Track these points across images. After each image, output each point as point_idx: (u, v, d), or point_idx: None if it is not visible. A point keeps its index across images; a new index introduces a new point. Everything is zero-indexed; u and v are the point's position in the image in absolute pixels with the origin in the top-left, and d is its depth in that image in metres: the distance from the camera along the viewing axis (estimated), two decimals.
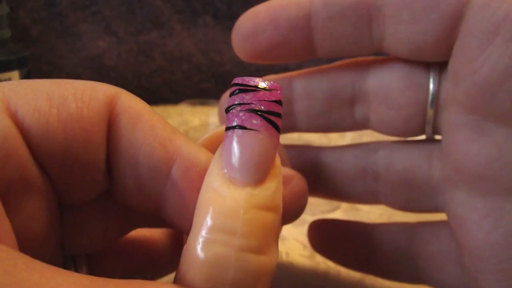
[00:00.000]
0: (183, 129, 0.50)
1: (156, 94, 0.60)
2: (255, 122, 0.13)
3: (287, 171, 0.18)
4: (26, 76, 0.35)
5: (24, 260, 0.11)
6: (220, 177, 0.13)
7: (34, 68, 0.39)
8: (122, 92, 0.15)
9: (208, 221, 0.13)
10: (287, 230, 0.33)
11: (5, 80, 0.34)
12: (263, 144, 0.13)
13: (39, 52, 0.55)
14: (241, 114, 0.13)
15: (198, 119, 0.53)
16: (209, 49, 0.59)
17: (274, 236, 0.13)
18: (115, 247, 0.19)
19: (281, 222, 0.14)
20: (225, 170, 0.13)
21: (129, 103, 0.15)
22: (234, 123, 0.13)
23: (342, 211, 0.36)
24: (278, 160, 0.14)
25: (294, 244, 0.31)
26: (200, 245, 0.12)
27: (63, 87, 0.14)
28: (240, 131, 0.13)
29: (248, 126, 0.13)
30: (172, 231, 0.21)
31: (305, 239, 0.32)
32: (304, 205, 0.18)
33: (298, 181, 0.18)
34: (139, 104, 0.15)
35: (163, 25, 0.58)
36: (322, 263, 0.29)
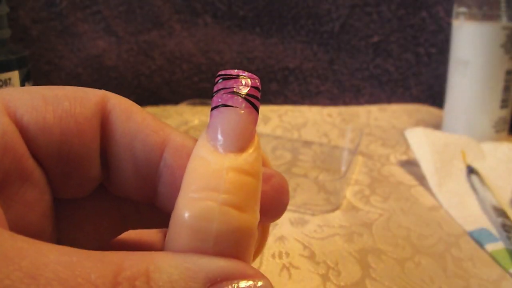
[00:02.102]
0: (183, 129, 0.50)
1: (156, 94, 0.60)
2: (236, 100, 0.15)
3: (268, 169, 0.18)
4: (26, 76, 0.35)
5: (9, 233, 0.12)
6: (206, 147, 0.15)
7: (34, 68, 0.39)
8: (110, 93, 0.17)
9: (194, 182, 0.14)
10: (287, 230, 0.33)
11: (5, 80, 0.34)
12: (243, 118, 0.15)
13: (39, 52, 0.55)
14: (224, 95, 0.15)
15: (198, 119, 0.53)
16: (209, 49, 0.59)
17: (255, 199, 0.15)
18: (109, 248, 0.19)
19: (260, 189, 0.15)
20: (211, 142, 0.15)
21: (119, 101, 0.16)
22: (218, 103, 0.15)
23: (342, 211, 0.36)
24: (257, 137, 0.15)
25: (294, 244, 0.31)
26: (186, 204, 0.14)
27: (55, 90, 0.16)
28: (223, 108, 0.15)
29: (230, 104, 0.15)
30: (166, 231, 0.21)
31: (305, 239, 0.32)
32: (286, 202, 0.18)
33: (278, 178, 0.18)
34: (128, 101, 0.17)
35: (163, 25, 0.58)
36: (322, 263, 0.29)
